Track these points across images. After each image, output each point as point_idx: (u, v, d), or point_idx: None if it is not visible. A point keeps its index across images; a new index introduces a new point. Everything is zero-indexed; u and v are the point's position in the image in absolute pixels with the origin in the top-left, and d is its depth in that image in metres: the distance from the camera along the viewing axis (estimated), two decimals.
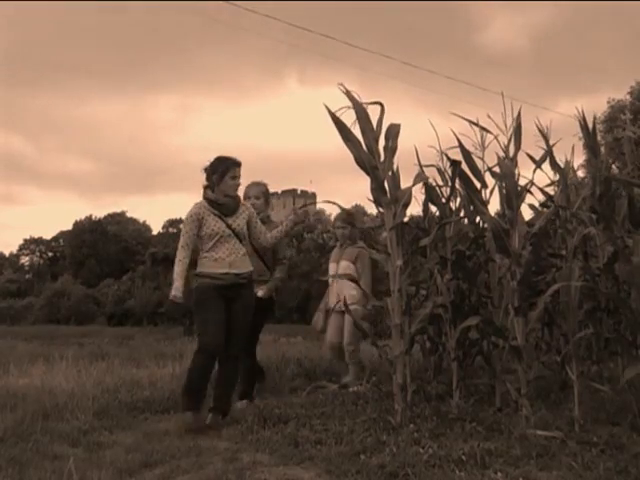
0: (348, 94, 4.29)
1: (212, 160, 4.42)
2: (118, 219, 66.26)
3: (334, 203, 4.98)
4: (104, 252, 60.55)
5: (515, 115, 4.40)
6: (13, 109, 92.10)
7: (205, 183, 4.45)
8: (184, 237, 4.37)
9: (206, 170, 4.44)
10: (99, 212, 68.71)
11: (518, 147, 4.41)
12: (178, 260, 4.32)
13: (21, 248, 69.96)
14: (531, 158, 4.66)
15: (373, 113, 4.36)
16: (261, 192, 5.29)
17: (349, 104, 4.29)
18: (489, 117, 4.48)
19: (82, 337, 29.85)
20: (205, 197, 4.44)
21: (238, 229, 4.41)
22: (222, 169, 4.37)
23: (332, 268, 5.76)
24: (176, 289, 4.24)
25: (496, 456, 3.38)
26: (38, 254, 69.90)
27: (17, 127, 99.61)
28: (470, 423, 3.99)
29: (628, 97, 24.99)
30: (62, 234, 67.53)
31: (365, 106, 4.33)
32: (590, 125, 4.74)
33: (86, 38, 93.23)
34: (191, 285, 4.75)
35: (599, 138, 20.53)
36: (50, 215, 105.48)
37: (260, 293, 4.96)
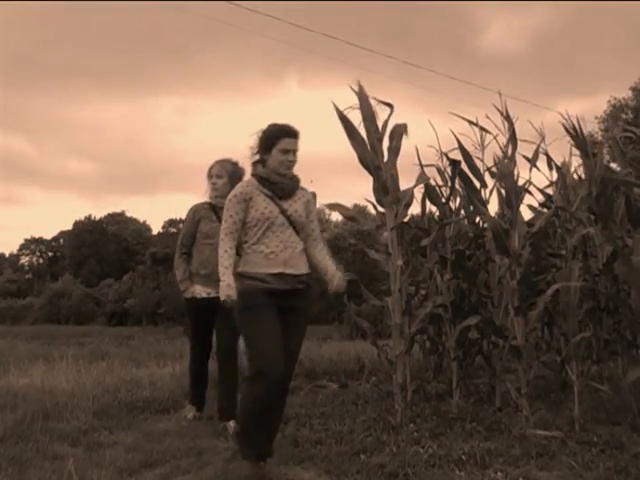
0: (360, 92, 4.29)
1: (264, 127, 3.43)
2: (118, 219, 66.27)
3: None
4: (104, 252, 60.55)
5: (507, 114, 4.42)
6: (14, 111, 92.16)
7: (255, 157, 3.45)
8: (228, 222, 3.30)
9: (257, 140, 3.46)
10: (100, 213, 68.72)
11: (515, 147, 4.42)
12: (223, 251, 3.26)
13: (21, 248, 69.97)
14: (526, 158, 4.68)
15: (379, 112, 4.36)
16: (225, 170, 4.43)
17: (352, 104, 4.29)
18: (487, 117, 4.49)
19: (82, 337, 29.83)
20: (254, 173, 3.42)
21: (295, 216, 3.34)
22: (269, 140, 3.35)
23: None
24: (228, 287, 3.17)
25: (496, 456, 3.39)
26: (38, 254, 69.93)
27: (18, 128, 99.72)
28: (470, 423, 4.00)
29: (630, 93, 25.08)
30: (62, 234, 67.52)
31: (373, 105, 4.32)
32: (579, 126, 4.76)
33: (87, 40, 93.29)
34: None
35: (599, 137, 20.58)
36: (51, 216, 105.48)
37: None
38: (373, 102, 4.31)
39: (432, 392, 4.92)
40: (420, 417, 4.20)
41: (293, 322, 3.28)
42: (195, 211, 4.57)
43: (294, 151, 3.35)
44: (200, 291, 4.43)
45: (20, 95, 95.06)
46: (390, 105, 4.34)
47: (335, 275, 3.38)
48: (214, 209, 4.45)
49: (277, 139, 3.32)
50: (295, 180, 3.44)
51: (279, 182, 3.35)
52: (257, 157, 3.41)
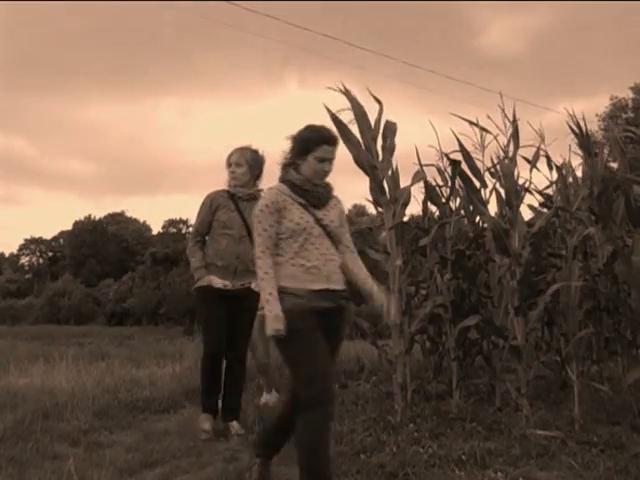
0: (347, 93, 4.30)
1: (300, 129, 3.03)
2: (118, 219, 66.34)
3: None
4: (104, 252, 60.61)
5: (512, 115, 4.43)
6: (16, 112, 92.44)
7: (286, 159, 3.03)
8: (263, 237, 2.90)
9: (290, 142, 3.04)
10: (100, 213, 68.82)
11: (517, 147, 4.42)
12: (263, 273, 2.86)
13: (21, 248, 70.00)
14: (526, 159, 4.68)
15: (372, 112, 4.38)
16: (244, 159, 4.19)
17: (348, 105, 4.30)
18: (489, 117, 4.49)
19: (82, 337, 29.87)
20: (284, 179, 3.00)
21: (331, 226, 3.00)
22: (305, 144, 2.96)
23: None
24: (277, 320, 2.78)
25: (496, 456, 3.39)
26: (38, 254, 69.95)
27: (19, 129, 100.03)
28: (470, 423, 3.99)
29: (630, 93, 25.10)
30: (62, 234, 67.57)
31: (363, 104, 4.33)
32: (583, 125, 4.78)
33: (88, 41, 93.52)
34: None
35: (600, 137, 20.61)
36: (52, 216, 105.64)
37: None
38: (364, 99, 4.34)
39: (432, 392, 4.92)
40: (420, 417, 4.19)
41: (333, 340, 2.97)
42: (212, 199, 4.23)
43: (331, 160, 3.00)
44: (216, 282, 4.13)
45: (21, 96, 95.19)
46: (379, 102, 4.34)
47: (384, 300, 3.03)
48: (232, 198, 4.21)
49: (315, 145, 2.95)
50: (329, 188, 3.10)
51: (313, 190, 2.99)
52: (288, 160, 3.02)
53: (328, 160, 2.98)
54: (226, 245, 4.14)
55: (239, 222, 4.15)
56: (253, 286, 4.01)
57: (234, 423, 4.20)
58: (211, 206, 4.21)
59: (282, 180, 3.02)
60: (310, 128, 3.01)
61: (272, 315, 2.79)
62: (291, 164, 3.01)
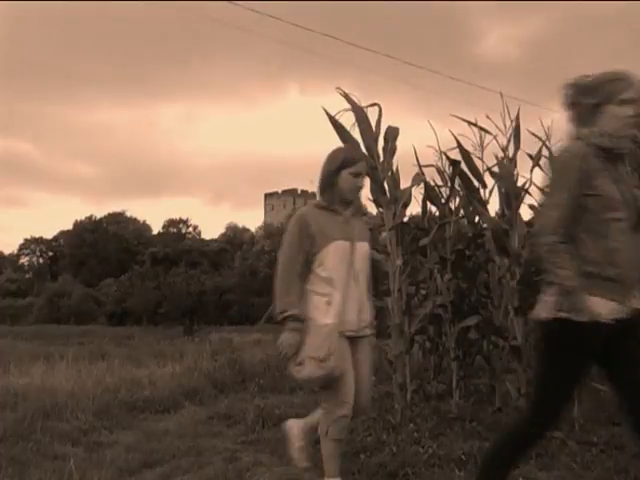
0: (346, 97, 4.31)
1: None
2: (118, 219, 66.33)
3: None
4: (104, 252, 60.63)
5: (514, 115, 4.43)
6: (22, 116, 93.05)
7: None
8: None
9: None
10: (101, 213, 68.85)
11: (517, 147, 4.42)
12: None
13: (21, 248, 69.97)
14: (530, 157, 4.67)
15: (373, 114, 4.39)
16: None
17: (348, 107, 4.31)
18: (488, 118, 4.49)
19: (82, 336, 29.84)
20: None
21: None
22: None
23: (343, 249, 2.79)
24: None
25: None
26: (38, 254, 69.93)
27: (26, 133, 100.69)
28: (470, 423, 4.00)
29: None
30: (62, 234, 67.56)
31: (364, 108, 4.35)
32: None
33: (94, 47, 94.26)
34: None
35: None
36: (56, 218, 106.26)
37: None
38: (365, 100, 4.36)
39: (432, 392, 4.92)
40: (420, 417, 4.19)
41: None
42: (582, 157, 2.23)
43: None
44: (606, 309, 2.20)
45: (26, 100, 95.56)
46: (378, 105, 4.36)
47: None
48: (606, 158, 2.28)
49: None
50: None
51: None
52: None
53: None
54: (624, 242, 2.28)
55: (627, 200, 2.30)
56: None
57: None
58: (580, 169, 2.22)
59: None
60: None
61: None
62: None
